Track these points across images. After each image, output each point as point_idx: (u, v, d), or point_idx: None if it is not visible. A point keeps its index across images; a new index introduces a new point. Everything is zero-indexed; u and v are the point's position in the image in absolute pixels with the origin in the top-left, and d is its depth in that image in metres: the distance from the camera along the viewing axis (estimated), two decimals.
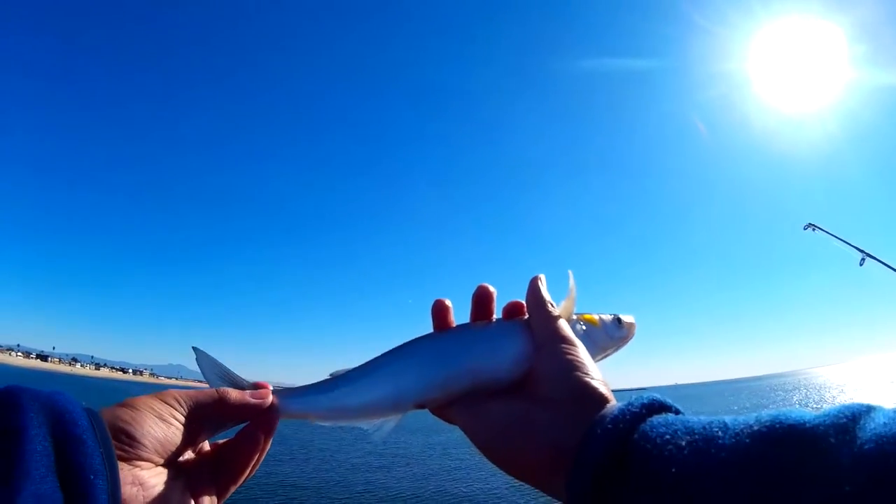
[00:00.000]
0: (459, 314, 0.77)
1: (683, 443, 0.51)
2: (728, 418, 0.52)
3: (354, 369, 0.77)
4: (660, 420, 0.55)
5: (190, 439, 0.67)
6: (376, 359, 0.77)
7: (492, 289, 0.78)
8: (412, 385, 0.74)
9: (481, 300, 0.78)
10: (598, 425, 0.56)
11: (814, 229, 7.52)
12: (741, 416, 0.52)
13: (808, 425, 0.47)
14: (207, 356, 0.79)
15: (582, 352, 0.68)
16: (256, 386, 0.76)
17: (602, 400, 0.62)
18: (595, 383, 0.64)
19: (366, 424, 0.76)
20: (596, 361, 0.71)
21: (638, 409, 0.57)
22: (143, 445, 0.61)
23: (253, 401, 0.72)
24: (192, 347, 0.81)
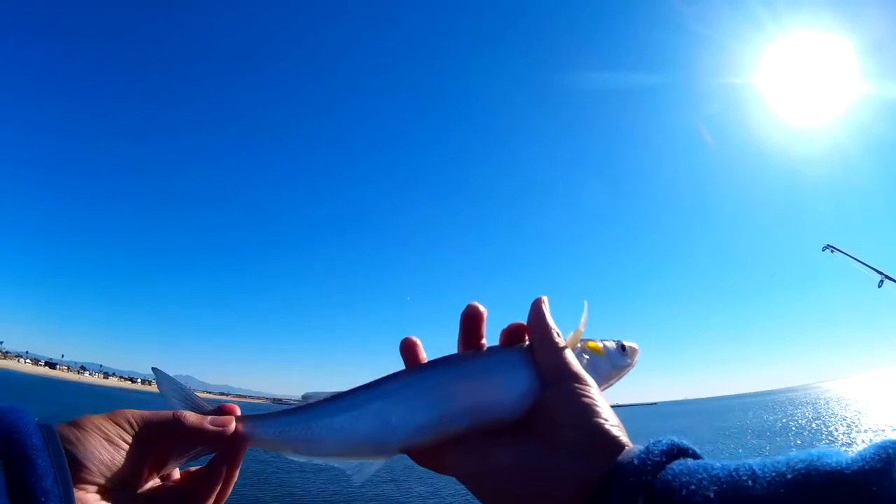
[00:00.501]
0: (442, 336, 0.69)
1: (711, 494, 0.48)
2: (755, 463, 0.49)
3: (332, 399, 0.71)
4: (681, 468, 0.52)
5: (151, 465, 0.64)
6: (358, 390, 0.70)
7: (482, 308, 0.72)
8: (401, 425, 0.66)
9: (471, 321, 0.72)
10: (619, 477, 0.53)
11: (832, 251, 7.51)
12: (769, 459, 0.49)
13: (846, 472, 0.44)
14: (168, 377, 0.74)
15: (596, 391, 0.64)
16: (221, 410, 0.70)
17: (616, 444, 0.58)
18: (615, 430, 0.60)
19: (344, 465, 0.69)
20: (601, 387, 0.68)
21: (658, 458, 0.54)
22: (87, 468, 0.58)
23: (211, 427, 0.67)
24: (152, 368, 0.77)
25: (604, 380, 0.72)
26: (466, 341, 0.72)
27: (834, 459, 0.46)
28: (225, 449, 0.67)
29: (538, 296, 0.71)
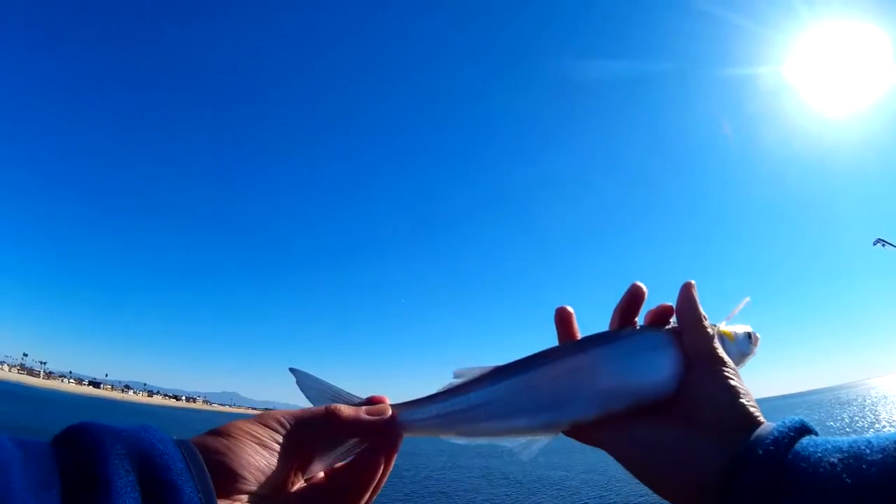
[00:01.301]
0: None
1: (835, 460, 0.51)
2: (870, 436, 0.53)
3: (493, 375, 0.68)
4: (808, 441, 0.55)
5: (298, 466, 0.61)
6: (520, 366, 0.69)
7: (570, 309, 0.75)
8: (569, 401, 0.66)
9: (563, 322, 0.74)
10: (759, 447, 0.55)
11: (884, 244, 7.34)
12: (882, 433, 0.53)
13: None
14: (308, 375, 0.71)
15: (739, 376, 0.66)
16: (371, 401, 0.67)
17: (759, 424, 0.60)
18: (755, 410, 0.62)
19: (509, 442, 0.67)
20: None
21: (791, 433, 0.56)
22: (244, 478, 0.55)
23: (368, 417, 0.64)
24: (290, 369, 0.72)
25: (734, 361, 0.73)
26: (563, 339, 0.74)
27: None
28: (383, 438, 0.64)
29: (687, 280, 0.72)
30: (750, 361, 0.76)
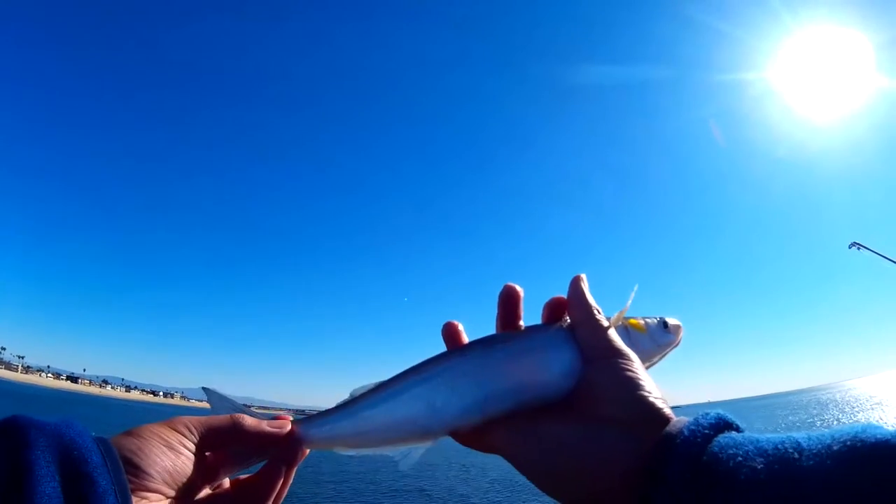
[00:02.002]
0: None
1: (758, 465, 0.48)
2: (800, 436, 0.50)
3: (377, 387, 0.71)
4: (728, 440, 0.52)
5: (203, 470, 0.63)
6: (402, 376, 0.70)
7: (519, 288, 0.72)
8: (447, 407, 0.66)
9: (508, 301, 0.72)
10: (669, 450, 0.53)
11: (858, 248, 7.48)
12: (814, 432, 0.49)
13: (892, 441, 0.44)
14: (218, 394, 0.74)
15: (640, 367, 0.64)
16: (276, 418, 0.71)
17: (662, 417, 0.58)
18: (660, 403, 0.60)
19: (392, 451, 0.69)
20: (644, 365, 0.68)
21: (707, 430, 0.54)
22: (150, 476, 0.57)
23: (269, 429, 0.67)
24: (203, 388, 0.76)
25: (646, 357, 0.70)
26: (505, 322, 0.72)
27: (879, 431, 0.46)
28: (283, 451, 0.67)
29: (577, 273, 0.70)
30: (673, 352, 0.73)
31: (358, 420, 0.69)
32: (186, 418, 0.64)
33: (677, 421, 0.57)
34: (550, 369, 0.65)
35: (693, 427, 0.54)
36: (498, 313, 0.72)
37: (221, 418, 0.66)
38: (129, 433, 0.60)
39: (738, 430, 0.56)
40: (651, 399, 0.60)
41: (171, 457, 0.60)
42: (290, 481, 0.68)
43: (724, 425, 0.55)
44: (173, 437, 0.61)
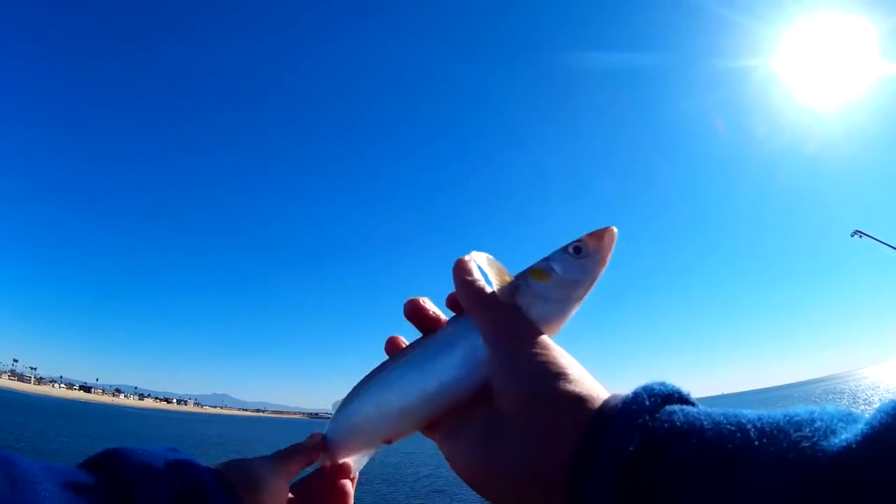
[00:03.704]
0: None
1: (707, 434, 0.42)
2: (751, 429, 0.42)
3: (335, 407, 0.73)
4: (678, 415, 0.45)
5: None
6: (347, 396, 0.71)
7: (421, 301, 0.67)
8: (372, 423, 0.67)
9: (413, 315, 0.67)
10: (603, 426, 0.46)
11: (861, 236, 7.40)
12: (766, 419, 0.43)
13: (853, 454, 0.38)
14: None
15: (536, 347, 0.55)
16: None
17: (573, 402, 0.50)
18: (558, 385, 0.51)
19: (354, 463, 0.73)
20: (571, 312, 0.60)
21: (649, 405, 0.46)
22: (268, 495, 0.62)
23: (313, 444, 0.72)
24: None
25: (565, 302, 0.60)
26: (423, 331, 0.68)
27: (843, 437, 0.39)
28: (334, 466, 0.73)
29: (458, 257, 0.64)
30: (602, 273, 0.61)
31: (329, 430, 0.73)
32: (270, 456, 0.68)
33: (609, 399, 0.49)
34: (451, 370, 0.60)
35: (628, 411, 0.46)
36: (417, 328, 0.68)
37: (292, 452, 0.70)
38: (229, 462, 0.63)
39: (684, 401, 0.49)
40: (553, 385, 0.51)
41: (278, 483, 0.64)
42: (345, 480, 0.72)
43: (665, 397, 0.48)
44: (274, 467, 0.65)
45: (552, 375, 0.52)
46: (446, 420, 0.61)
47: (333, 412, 0.73)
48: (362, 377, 0.70)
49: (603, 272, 0.61)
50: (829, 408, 0.42)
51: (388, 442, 0.68)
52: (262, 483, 0.61)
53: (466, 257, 0.64)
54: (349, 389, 0.69)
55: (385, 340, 0.71)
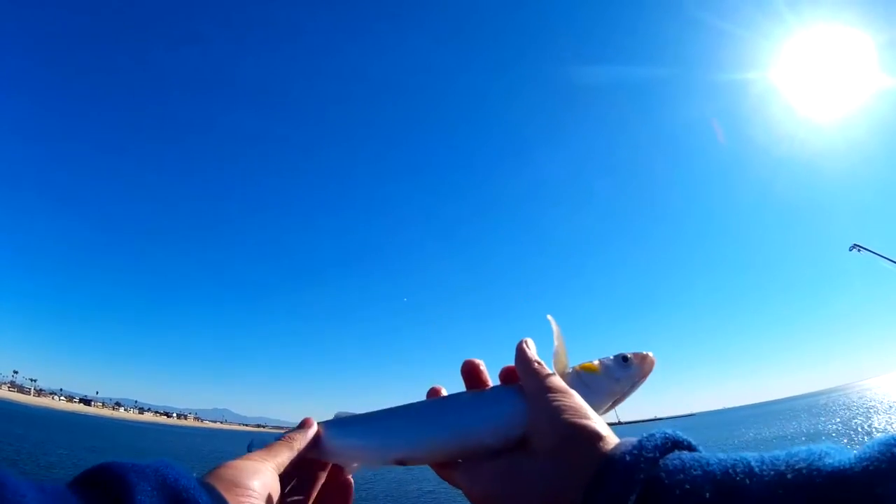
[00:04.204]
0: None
1: (707, 494, 0.46)
2: (753, 459, 0.46)
3: (355, 416, 0.80)
4: (676, 463, 0.50)
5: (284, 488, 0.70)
6: (375, 412, 0.79)
7: (477, 361, 0.78)
8: (396, 440, 0.74)
9: (470, 375, 0.78)
10: (609, 475, 0.51)
11: (859, 250, 7.47)
12: (768, 454, 0.46)
13: (849, 473, 0.42)
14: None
15: (574, 398, 0.65)
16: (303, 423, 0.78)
17: (594, 439, 0.58)
18: (585, 422, 0.60)
19: (349, 466, 0.78)
20: (607, 409, 0.71)
21: (652, 453, 0.51)
22: (253, 491, 0.62)
23: (307, 438, 0.75)
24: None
25: (606, 396, 0.73)
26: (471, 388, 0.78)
27: (836, 458, 0.43)
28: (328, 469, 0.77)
29: (521, 339, 0.75)
30: (644, 384, 0.74)
31: (331, 434, 0.77)
32: (253, 452, 0.70)
33: (622, 443, 0.56)
34: (492, 418, 0.70)
35: (636, 451, 0.52)
36: (465, 385, 0.79)
37: (279, 446, 0.72)
38: (216, 467, 0.64)
39: (689, 448, 0.54)
40: (573, 420, 0.60)
41: (263, 476, 0.65)
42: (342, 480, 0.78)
43: (672, 445, 0.54)
44: (256, 464, 0.66)
45: (581, 415, 0.61)
46: (469, 458, 0.69)
47: (344, 416, 0.80)
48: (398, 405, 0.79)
49: (637, 388, 0.74)
50: (823, 444, 0.44)
51: (402, 464, 0.74)
52: (249, 485, 0.62)
53: (528, 339, 0.75)
54: (349, 404, 0.77)
55: (428, 389, 0.80)
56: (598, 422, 0.61)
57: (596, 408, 0.68)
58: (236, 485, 0.61)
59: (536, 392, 0.68)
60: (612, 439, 0.58)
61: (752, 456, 0.46)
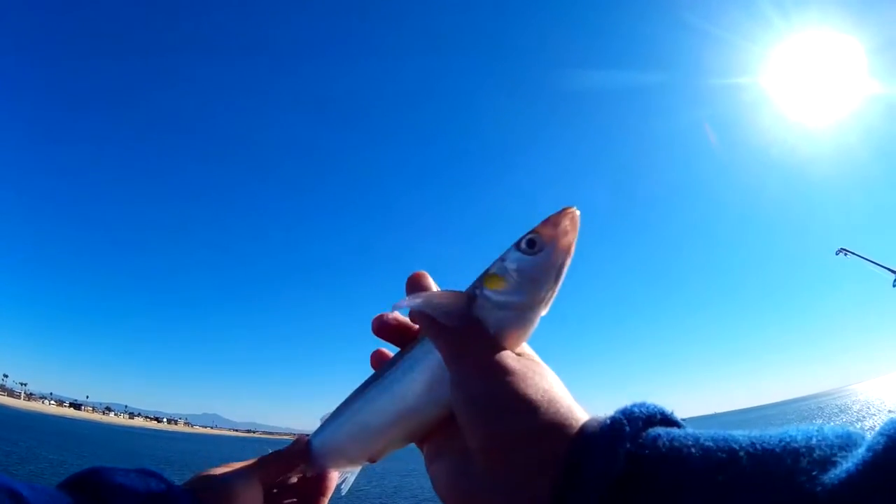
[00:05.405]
0: None
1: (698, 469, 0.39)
2: (742, 439, 0.40)
3: (321, 423, 0.72)
4: (662, 440, 0.43)
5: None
6: (336, 409, 0.70)
7: (387, 316, 0.64)
8: (353, 441, 0.67)
9: (382, 333, 0.65)
10: (578, 465, 0.43)
11: (846, 254, 7.62)
12: (760, 444, 0.40)
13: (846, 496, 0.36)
14: None
15: (497, 371, 0.50)
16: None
17: (540, 432, 0.47)
18: (523, 420, 0.47)
19: (335, 475, 0.73)
20: (541, 314, 0.55)
21: (630, 430, 0.43)
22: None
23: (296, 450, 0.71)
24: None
25: (528, 306, 0.55)
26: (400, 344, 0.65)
27: (843, 468, 0.37)
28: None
29: (413, 272, 0.62)
30: (569, 263, 0.55)
31: (313, 442, 0.71)
32: (241, 463, 0.68)
33: (588, 423, 0.47)
34: (414, 397, 0.58)
35: (609, 440, 0.43)
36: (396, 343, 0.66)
37: (268, 459, 0.70)
38: (201, 477, 0.63)
39: (671, 422, 0.47)
40: (511, 419, 0.48)
41: (248, 489, 0.64)
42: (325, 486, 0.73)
43: (644, 424, 0.45)
44: (242, 472, 0.65)
45: (511, 410, 0.48)
46: (433, 436, 0.58)
47: (321, 423, 0.73)
48: (349, 393, 0.69)
49: (568, 263, 0.55)
50: (827, 430, 0.39)
51: (372, 461, 0.67)
52: (233, 497, 0.61)
53: (421, 271, 0.62)
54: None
55: (370, 354, 0.69)
56: (533, 408, 0.48)
57: (525, 326, 0.54)
58: (218, 496, 0.60)
59: (446, 352, 0.54)
60: (567, 422, 0.47)
61: (742, 447, 0.40)
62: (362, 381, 0.66)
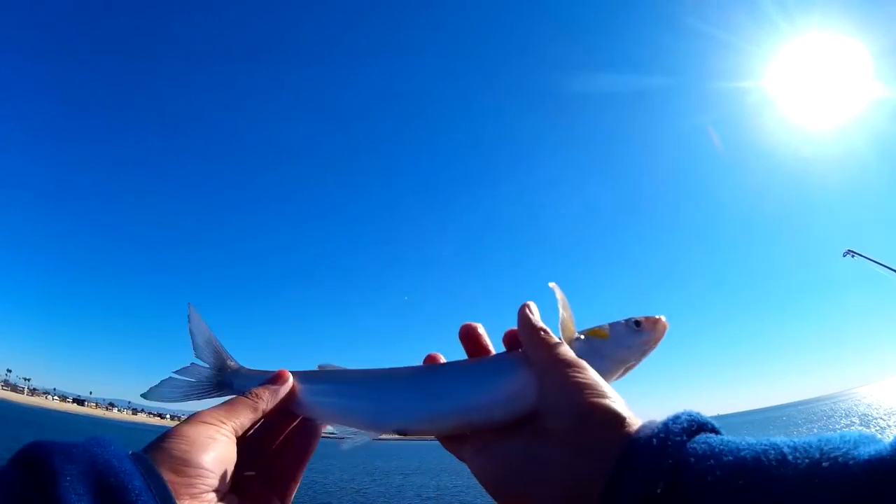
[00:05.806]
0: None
1: (741, 481, 0.43)
2: (784, 444, 0.44)
3: (342, 371, 0.74)
4: (705, 448, 0.47)
5: (243, 454, 0.64)
6: (366, 371, 0.73)
7: (475, 325, 0.74)
8: (393, 410, 0.69)
9: (468, 339, 0.74)
10: (634, 461, 0.48)
11: (853, 256, 7.55)
12: (799, 440, 0.44)
13: (885, 461, 0.39)
14: (201, 322, 0.80)
15: (589, 373, 0.60)
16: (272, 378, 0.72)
17: (616, 420, 0.54)
18: (605, 402, 0.56)
19: (339, 430, 0.71)
20: (617, 377, 0.67)
21: (679, 436, 0.49)
22: (204, 469, 0.57)
23: (280, 394, 0.70)
24: (188, 304, 0.80)
25: (616, 363, 0.68)
26: (471, 356, 0.74)
27: (872, 447, 0.41)
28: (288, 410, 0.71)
29: (524, 302, 0.69)
30: (657, 348, 0.69)
31: (314, 388, 0.72)
32: (210, 412, 0.64)
33: (646, 426, 0.52)
34: (496, 390, 0.65)
35: (662, 435, 0.49)
36: (465, 351, 0.74)
37: (242, 405, 0.67)
38: (166, 437, 0.58)
39: (714, 430, 0.52)
40: (593, 400, 0.56)
41: (217, 447, 0.59)
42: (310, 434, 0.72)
43: (697, 427, 0.51)
44: (211, 431, 0.61)
45: (600, 394, 0.56)
46: (478, 436, 0.64)
47: (319, 371, 0.73)
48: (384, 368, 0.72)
49: (651, 353, 0.68)
50: (854, 431, 0.43)
51: (401, 434, 0.68)
52: (201, 462, 0.57)
53: (530, 303, 0.69)
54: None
55: (425, 356, 0.74)
56: (617, 400, 0.57)
57: (606, 377, 0.63)
58: (185, 463, 0.55)
59: (546, 364, 0.63)
60: (634, 421, 0.54)
61: (783, 441, 0.44)
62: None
